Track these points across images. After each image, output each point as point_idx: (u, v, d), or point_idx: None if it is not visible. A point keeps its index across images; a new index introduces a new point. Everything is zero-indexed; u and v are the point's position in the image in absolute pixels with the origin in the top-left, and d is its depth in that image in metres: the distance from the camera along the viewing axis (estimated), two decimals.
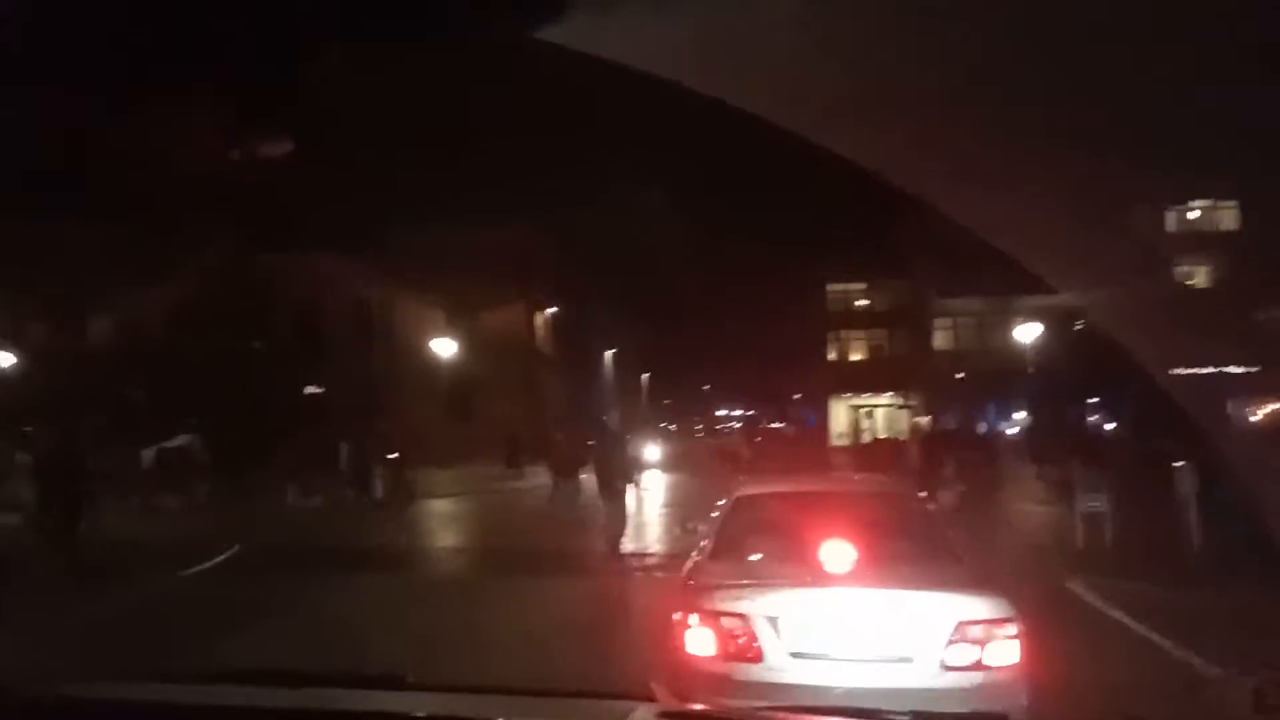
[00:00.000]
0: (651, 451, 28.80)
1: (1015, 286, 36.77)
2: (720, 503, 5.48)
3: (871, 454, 28.40)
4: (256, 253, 35.23)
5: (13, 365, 28.49)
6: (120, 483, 17.06)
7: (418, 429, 24.74)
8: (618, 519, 11.32)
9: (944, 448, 18.52)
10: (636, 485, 15.01)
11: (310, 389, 36.30)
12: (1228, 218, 38.56)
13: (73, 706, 1.33)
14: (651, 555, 12.09)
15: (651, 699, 1.81)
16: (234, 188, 31.50)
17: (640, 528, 15.78)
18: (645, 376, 60.54)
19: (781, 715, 1.80)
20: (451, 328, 34.99)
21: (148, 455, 18.20)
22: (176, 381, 30.25)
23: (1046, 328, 32.43)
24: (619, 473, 11.49)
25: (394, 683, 1.40)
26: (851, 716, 1.78)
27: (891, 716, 1.88)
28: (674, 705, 3.92)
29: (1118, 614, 8.28)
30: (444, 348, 33.82)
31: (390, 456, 18.14)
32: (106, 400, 31.42)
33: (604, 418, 13.12)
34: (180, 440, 18.83)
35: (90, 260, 30.13)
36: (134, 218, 30.24)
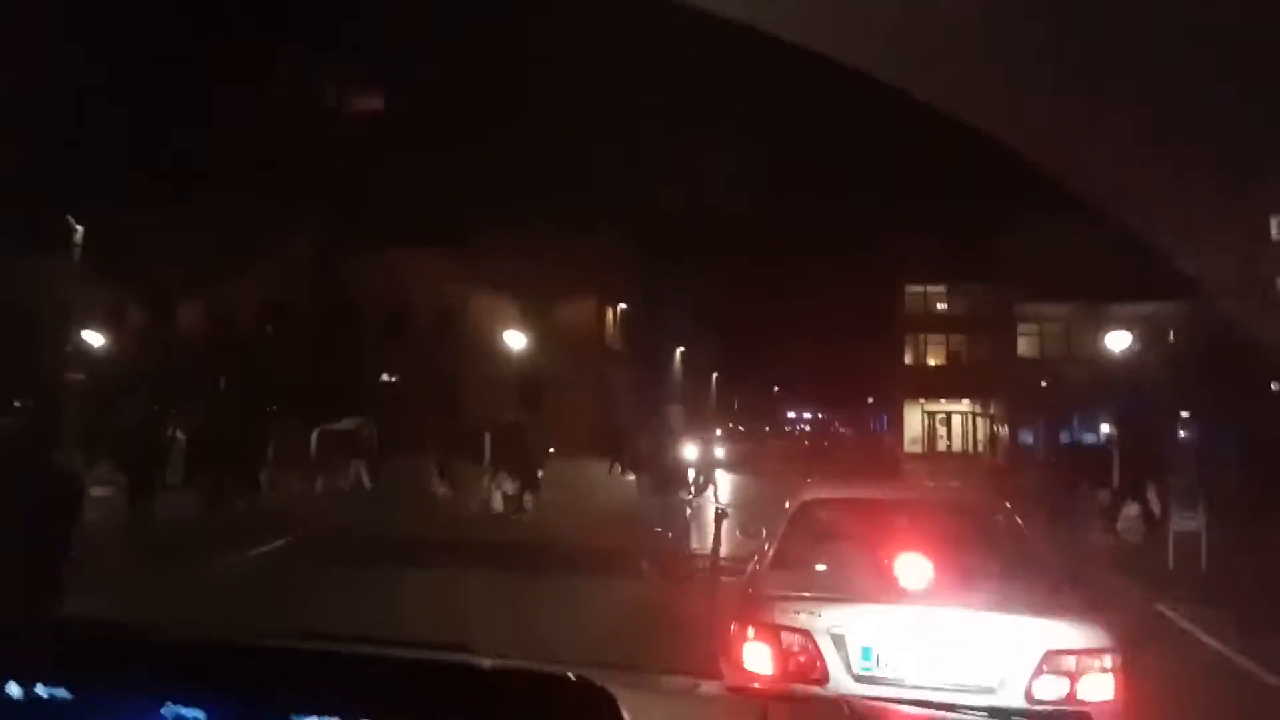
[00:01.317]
0: (718, 452, 28.43)
1: (1106, 292, 35.41)
2: (785, 506, 5.12)
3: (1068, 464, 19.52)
4: (341, 247, 36.54)
5: (108, 349, 29.73)
6: (289, 462, 17.70)
7: (484, 422, 24.93)
8: (678, 519, 10.95)
9: (1147, 458, 14.90)
10: (714, 485, 14.52)
11: (385, 377, 37.32)
12: None
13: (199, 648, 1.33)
14: (710, 557, 11.75)
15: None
16: (320, 178, 32.67)
17: (704, 528, 15.46)
18: (714, 376, 60.04)
19: (856, 703, 1.59)
20: (525, 323, 35.37)
21: (314, 437, 18.60)
22: (267, 368, 31.66)
23: (1139, 336, 30.99)
24: (677, 471, 11.11)
25: (464, 650, 1.35)
26: (928, 709, 1.66)
27: (968, 713, 1.71)
28: (742, 682, 3.64)
29: (1214, 643, 7.68)
30: (517, 342, 34.13)
31: (530, 450, 17.86)
32: (198, 385, 32.87)
33: (662, 415, 12.50)
34: (346, 423, 19.22)
35: (186, 249, 31.52)
36: (225, 208, 31.43)
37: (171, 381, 29.20)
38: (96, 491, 14.30)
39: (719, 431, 33.91)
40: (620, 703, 1.06)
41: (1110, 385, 32.62)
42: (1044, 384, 38.91)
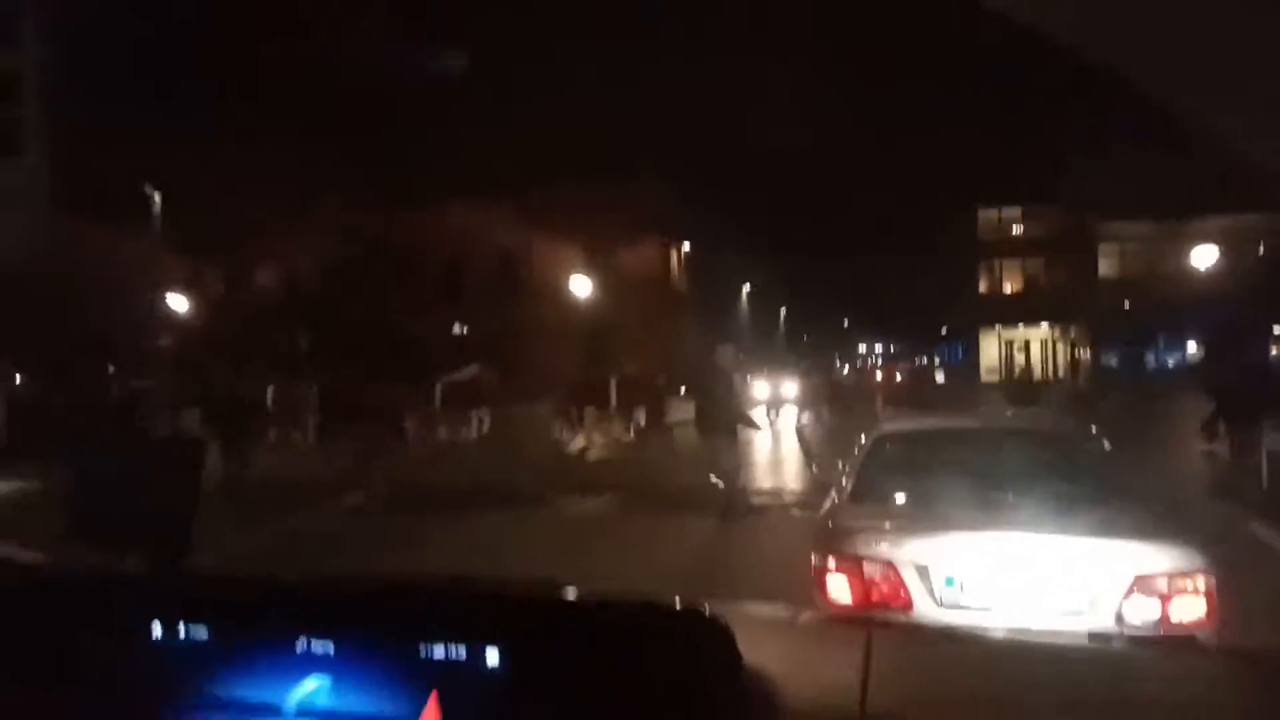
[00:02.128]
0: (788, 389, 28.41)
1: (1190, 207, 33.85)
2: (860, 441, 5.11)
3: None
4: (407, 204, 36.97)
5: (188, 314, 30.84)
6: (414, 415, 18.01)
7: (558, 371, 25.32)
8: (732, 461, 10.30)
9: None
10: (772, 421, 14.46)
11: (456, 330, 38.00)
12: None
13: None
14: (788, 492, 11.83)
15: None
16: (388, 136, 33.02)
17: (778, 464, 15.54)
18: (782, 312, 59.53)
19: (959, 630, 1.66)
20: (591, 270, 35.50)
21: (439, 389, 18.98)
22: (339, 328, 32.63)
23: (1225, 251, 29.66)
24: (730, 412, 10.36)
25: (555, 589, 1.34)
26: (1028, 635, 1.59)
27: (1068, 637, 1.62)
28: (842, 610, 3.69)
29: None
30: (581, 289, 34.32)
31: (661, 395, 17.88)
32: (275, 346, 33.99)
33: (711, 357, 12.16)
34: (468, 371, 19.56)
35: (255, 214, 32.29)
36: (293, 167, 31.96)
37: (256, 343, 30.15)
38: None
39: (788, 368, 33.64)
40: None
41: (1197, 302, 31.34)
42: (1126, 304, 37.62)
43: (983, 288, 46.37)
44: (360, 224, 36.88)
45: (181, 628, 1.21)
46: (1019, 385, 17.55)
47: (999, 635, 1.55)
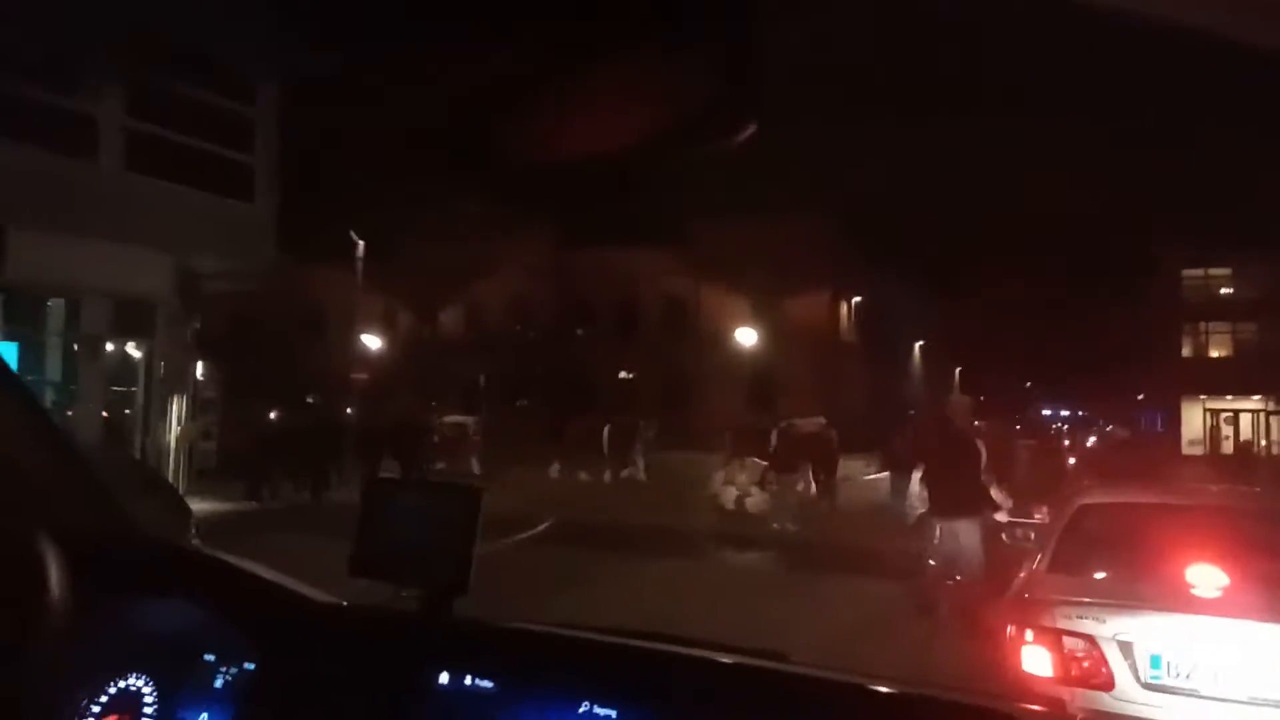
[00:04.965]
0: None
1: None
2: (1060, 510, 5.00)
3: None
4: (575, 249, 38.54)
5: (380, 349, 33.22)
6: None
7: (720, 417, 25.49)
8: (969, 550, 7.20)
9: None
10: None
11: (623, 374, 38.97)
12: None
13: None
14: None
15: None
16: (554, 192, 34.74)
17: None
18: (957, 371, 57.23)
19: None
20: (756, 318, 35.61)
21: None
22: (516, 364, 34.42)
23: None
24: (974, 487, 7.35)
25: (774, 658, 1.30)
26: None
27: None
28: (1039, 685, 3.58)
29: None
30: (747, 338, 34.45)
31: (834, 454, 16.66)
32: (454, 380, 36.03)
33: (940, 408, 9.07)
34: (813, 423, 17.95)
35: (441, 258, 34.63)
36: (466, 211, 33.66)
37: (438, 377, 31.93)
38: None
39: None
40: None
41: None
42: None
43: (1186, 352, 43.12)
44: (534, 268, 38.69)
45: (469, 678, 1.19)
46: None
47: None
